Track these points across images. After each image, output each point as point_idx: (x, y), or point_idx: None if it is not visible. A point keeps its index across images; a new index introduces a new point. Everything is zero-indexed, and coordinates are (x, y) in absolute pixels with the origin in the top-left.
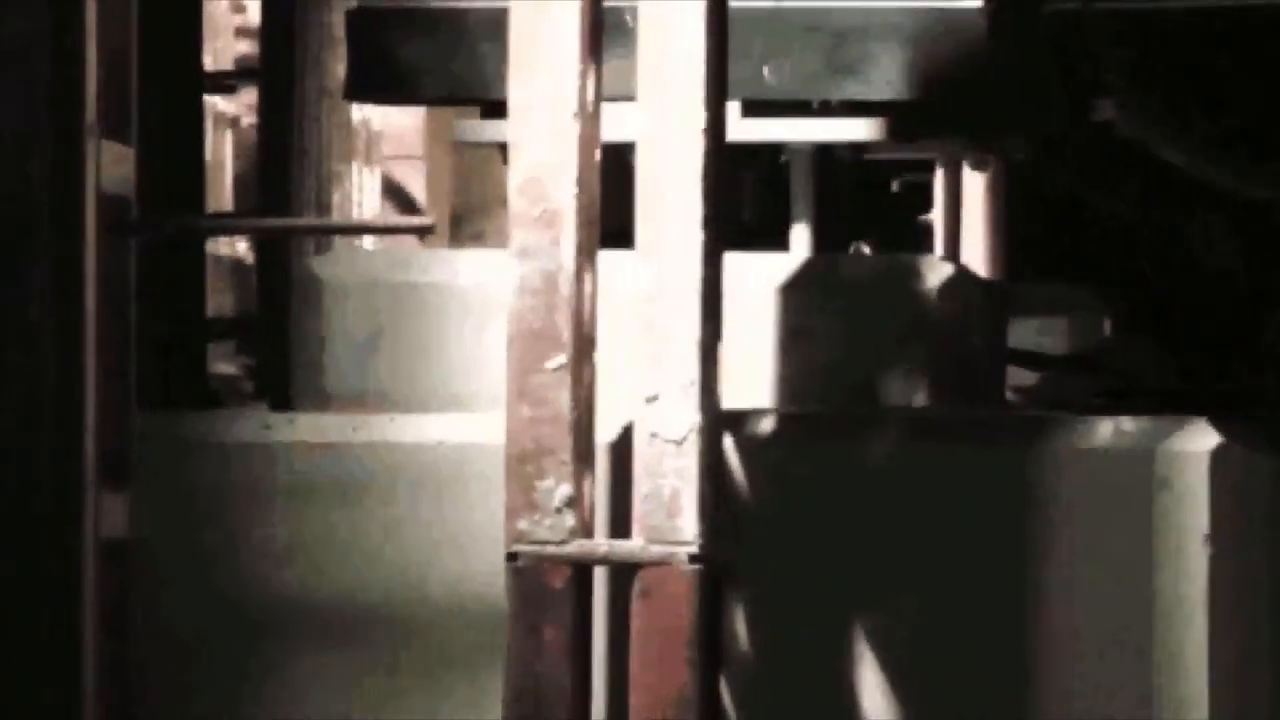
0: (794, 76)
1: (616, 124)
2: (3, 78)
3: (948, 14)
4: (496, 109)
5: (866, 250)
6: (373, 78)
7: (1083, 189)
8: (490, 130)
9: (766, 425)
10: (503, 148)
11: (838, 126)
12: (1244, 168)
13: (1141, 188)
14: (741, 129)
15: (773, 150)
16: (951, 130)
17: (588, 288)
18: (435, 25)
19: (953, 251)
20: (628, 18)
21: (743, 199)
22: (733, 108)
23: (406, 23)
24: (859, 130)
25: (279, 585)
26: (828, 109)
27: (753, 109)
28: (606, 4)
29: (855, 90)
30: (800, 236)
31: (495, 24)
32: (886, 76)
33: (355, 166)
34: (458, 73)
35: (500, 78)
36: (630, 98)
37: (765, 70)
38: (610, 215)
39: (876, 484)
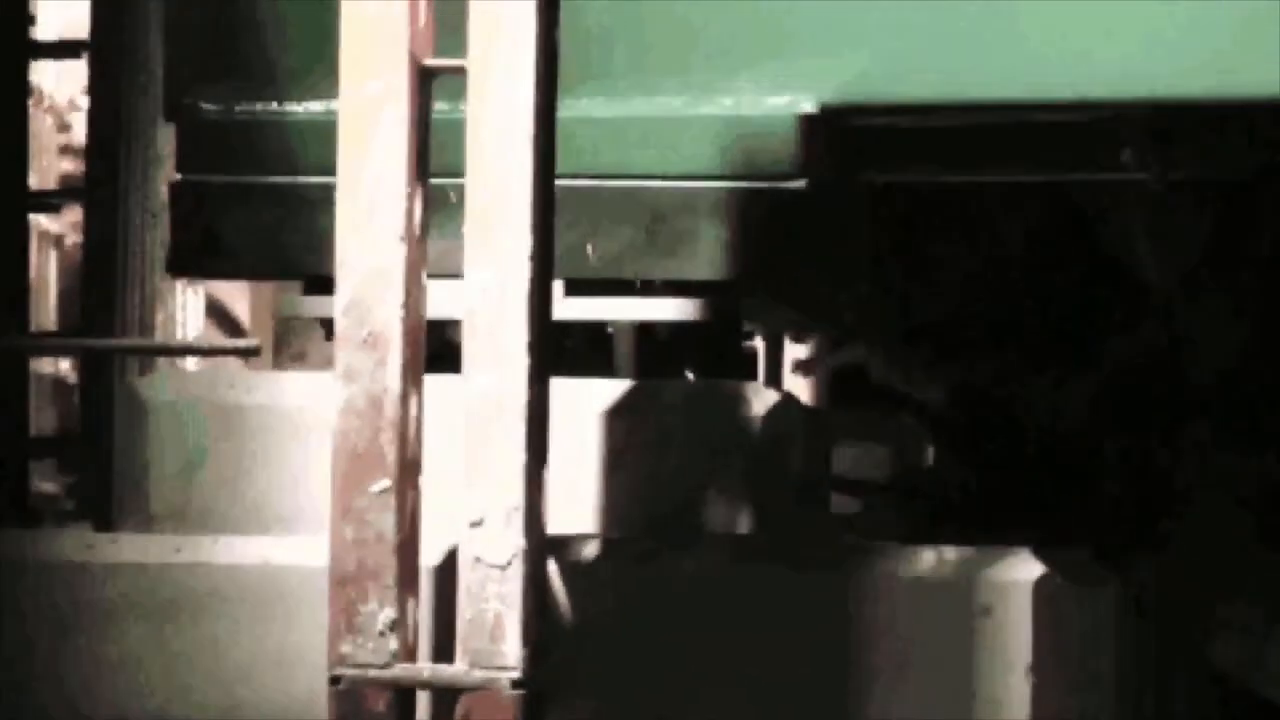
0: (615, 255)
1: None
2: None
3: (769, 193)
4: (321, 284)
5: (691, 377)
6: (196, 252)
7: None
8: (313, 306)
9: (590, 550)
10: (324, 322)
11: (658, 306)
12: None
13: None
14: (565, 308)
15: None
16: (767, 310)
17: (413, 410)
18: (259, 201)
19: (775, 378)
20: (451, 194)
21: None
22: (556, 286)
23: (230, 198)
24: (679, 310)
25: (96, 707)
26: (651, 286)
27: (575, 287)
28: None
29: (675, 269)
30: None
31: (321, 199)
32: (707, 256)
33: (179, 286)
34: (282, 249)
35: (325, 254)
36: (448, 275)
37: (589, 248)
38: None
39: (698, 609)
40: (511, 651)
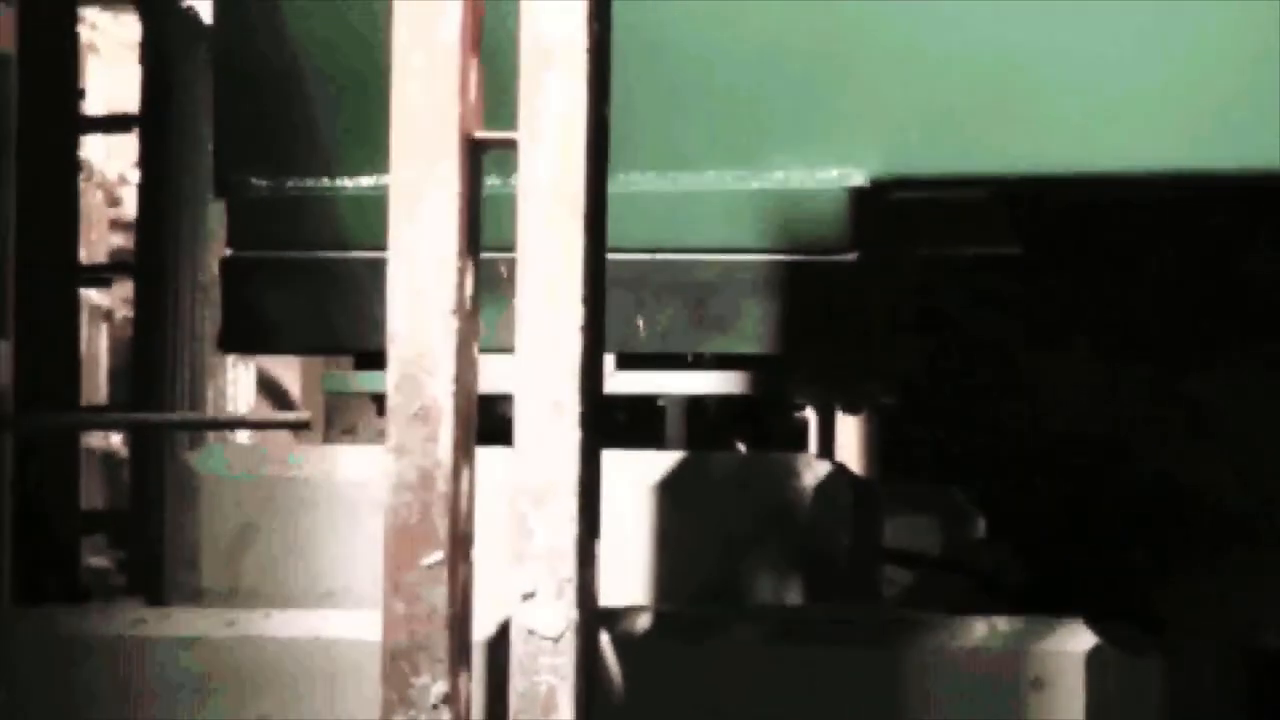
0: (665, 330)
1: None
2: None
3: (816, 266)
4: (371, 360)
5: (741, 448)
6: (247, 329)
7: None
8: (362, 381)
9: (642, 623)
10: (375, 398)
11: (707, 380)
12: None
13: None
14: (615, 382)
15: None
16: (817, 384)
17: (465, 484)
18: (310, 277)
19: (828, 449)
20: (502, 269)
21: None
22: (607, 360)
23: (281, 274)
24: (728, 384)
25: None
26: (701, 359)
27: (626, 361)
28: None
29: (725, 344)
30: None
31: (371, 275)
32: (755, 330)
33: (229, 360)
34: (333, 325)
35: (375, 329)
36: (499, 350)
37: (640, 322)
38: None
39: (749, 682)
40: None
